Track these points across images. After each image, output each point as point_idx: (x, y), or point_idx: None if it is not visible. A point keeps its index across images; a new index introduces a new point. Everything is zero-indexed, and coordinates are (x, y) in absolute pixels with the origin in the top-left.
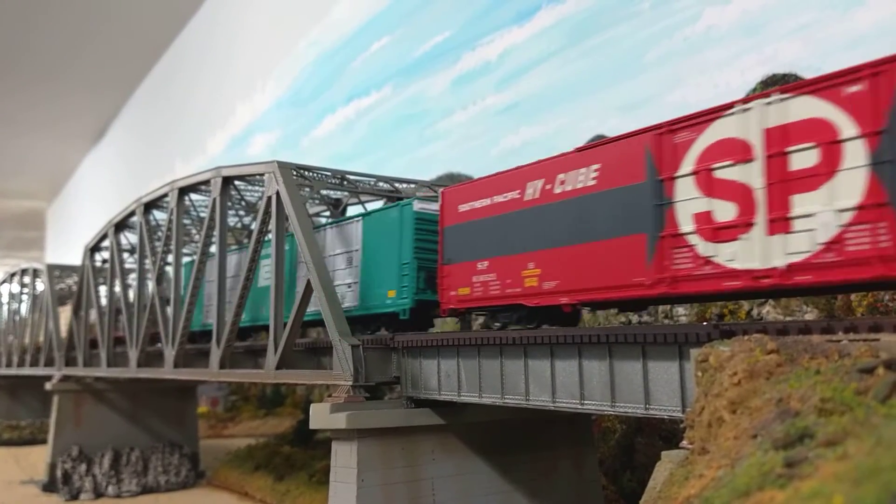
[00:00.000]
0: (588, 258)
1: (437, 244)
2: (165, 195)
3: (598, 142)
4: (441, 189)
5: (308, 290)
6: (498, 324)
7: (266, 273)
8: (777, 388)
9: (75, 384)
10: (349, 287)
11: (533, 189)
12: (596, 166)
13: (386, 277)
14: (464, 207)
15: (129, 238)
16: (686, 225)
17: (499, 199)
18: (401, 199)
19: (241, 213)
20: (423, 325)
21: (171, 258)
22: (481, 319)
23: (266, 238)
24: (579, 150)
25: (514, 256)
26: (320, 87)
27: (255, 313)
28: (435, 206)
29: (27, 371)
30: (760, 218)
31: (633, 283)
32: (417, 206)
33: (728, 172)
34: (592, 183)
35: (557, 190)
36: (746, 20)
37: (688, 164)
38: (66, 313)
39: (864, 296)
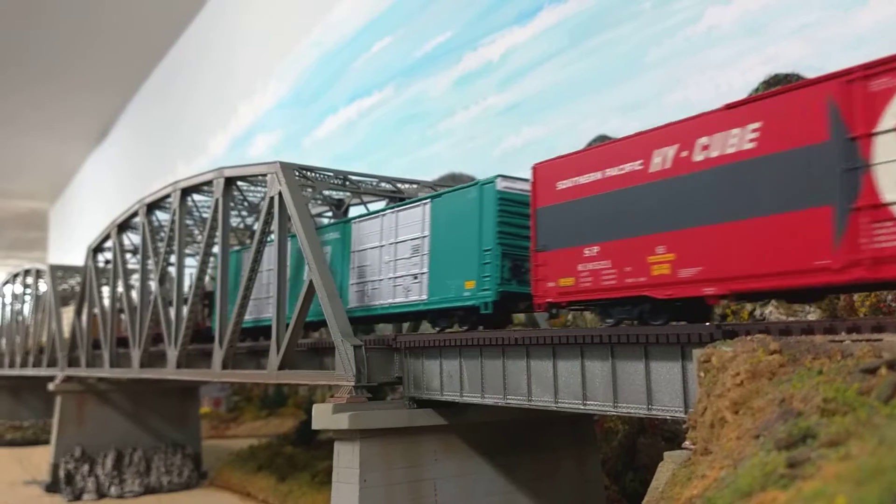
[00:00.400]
0: (745, 239)
1: (526, 228)
2: (168, 196)
3: (756, 96)
4: (533, 164)
5: (311, 289)
6: (610, 320)
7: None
8: (780, 388)
9: (78, 385)
10: (415, 279)
11: (662, 158)
12: (755, 126)
13: (462, 267)
14: (564, 184)
15: (132, 238)
16: (892, 193)
17: (613, 172)
18: (403, 199)
19: (244, 213)
20: (504, 320)
21: (173, 259)
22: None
23: (269, 238)
24: (729, 106)
25: (637, 239)
26: (322, 88)
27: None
28: (521, 185)
29: (30, 371)
30: None
31: (812, 268)
32: (501, 184)
33: None
34: (750, 146)
35: (698, 157)
36: (748, 20)
37: (892, 116)
38: (68, 314)
39: (867, 296)
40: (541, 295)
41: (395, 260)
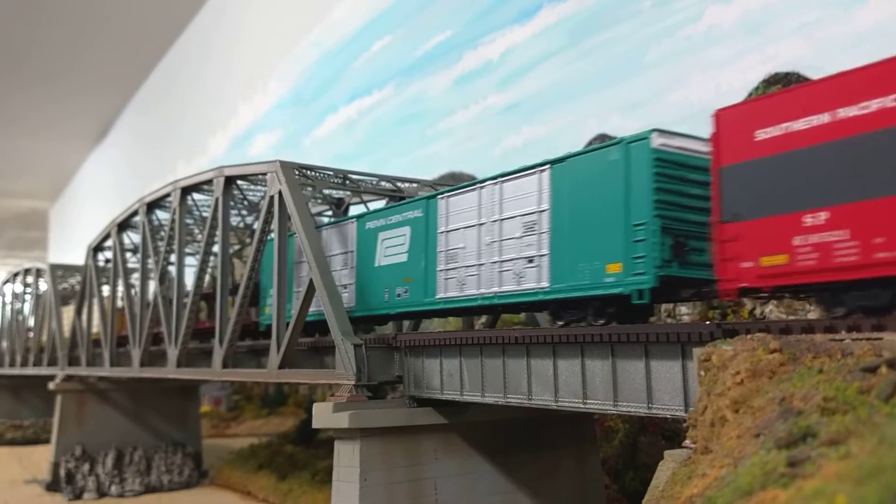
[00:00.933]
0: None
1: (687, 196)
2: (168, 195)
3: None
4: (714, 111)
5: (312, 289)
6: (840, 310)
7: (389, 251)
8: (780, 387)
9: (78, 384)
10: (530, 262)
11: None
12: None
13: (601, 246)
14: (766, 133)
15: (132, 238)
16: None
17: (850, 112)
18: (402, 198)
19: (244, 212)
20: (647, 314)
21: (173, 258)
22: (484, 318)
23: (269, 237)
24: None
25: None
26: (322, 87)
27: (367, 302)
28: (680, 142)
29: (30, 371)
30: None
31: None
32: (657, 140)
33: None
34: None
35: None
36: (748, 19)
37: None
38: (68, 313)
39: None
40: (731, 279)
41: (501, 240)
